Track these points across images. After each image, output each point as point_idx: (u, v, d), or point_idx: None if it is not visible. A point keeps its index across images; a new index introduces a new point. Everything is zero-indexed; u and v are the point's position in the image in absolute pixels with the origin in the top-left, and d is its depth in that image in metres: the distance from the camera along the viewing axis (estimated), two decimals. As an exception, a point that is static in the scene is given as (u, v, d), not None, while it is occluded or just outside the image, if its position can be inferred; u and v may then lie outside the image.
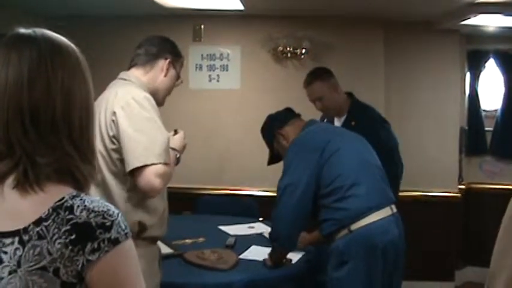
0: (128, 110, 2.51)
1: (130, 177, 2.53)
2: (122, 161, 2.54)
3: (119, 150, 2.53)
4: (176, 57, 2.89)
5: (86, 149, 1.29)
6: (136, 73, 2.80)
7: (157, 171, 2.46)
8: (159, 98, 2.83)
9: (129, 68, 2.84)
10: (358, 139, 3.40)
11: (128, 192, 2.57)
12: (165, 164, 2.50)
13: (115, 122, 2.51)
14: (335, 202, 3.08)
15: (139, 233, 2.57)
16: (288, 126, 3.42)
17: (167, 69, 2.83)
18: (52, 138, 1.23)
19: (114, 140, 2.53)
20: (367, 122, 4.02)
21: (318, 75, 4.13)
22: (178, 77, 2.92)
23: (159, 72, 2.82)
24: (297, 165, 3.17)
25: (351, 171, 3.14)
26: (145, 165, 2.44)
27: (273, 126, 3.51)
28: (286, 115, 3.55)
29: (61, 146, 1.24)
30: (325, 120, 4.31)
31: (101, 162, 2.55)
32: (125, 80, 2.76)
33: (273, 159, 3.56)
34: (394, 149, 4.13)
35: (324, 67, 4.32)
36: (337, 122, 4.20)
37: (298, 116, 3.59)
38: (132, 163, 2.46)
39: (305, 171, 3.12)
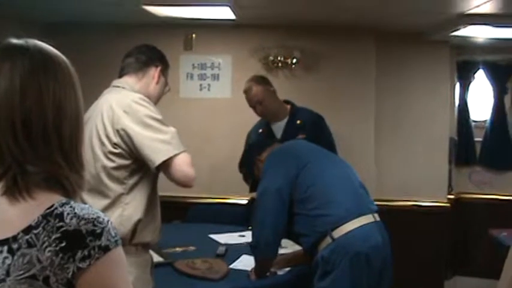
0: (131, 112, 2.57)
1: (145, 183, 2.62)
2: (124, 167, 2.59)
3: (122, 155, 2.58)
4: (164, 65, 2.95)
5: (75, 159, 1.29)
6: (129, 80, 2.83)
7: (186, 159, 2.57)
8: None
9: (120, 76, 2.87)
10: (334, 156, 3.54)
11: (126, 195, 2.60)
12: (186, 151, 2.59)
13: (121, 128, 2.56)
14: (313, 209, 3.10)
15: (132, 236, 2.60)
16: (265, 153, 3.49)
17: (158, 77, 2.89)
18: (43, 148, 1.23)
19: (117, 146, 2.57)
20: (311, 120, 4.51)
21: (257, 81, 4.48)
22: (166, 84, 2.98)
23: (151, 80, 2.87)
24: (274, 171, 3.23)
25: (329, 179, 3.20)
26: (171, 158, 2.53)
27: (252, 154, 3.65)
28: (265, 142, 3.76)
29: (51, 156, 1.24)
30: (260, 130, 4.58)
31: (100, 168, 2.59)
32: (119, 87, 2.79)
33: (254, 186, 3.59)
34: (334, 142, 4.54)
35: (262, 75, 4.74)
36: (278, 128, 4.49)
37: (276, 141, 3.78)
38: (157, 158, 2.53)
39: (281, 175, 3.17)
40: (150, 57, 2.89)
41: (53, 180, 1.24)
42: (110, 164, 2.58)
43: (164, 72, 2.94)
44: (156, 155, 2.53)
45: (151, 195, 2.69)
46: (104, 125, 2.58)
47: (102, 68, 4.41)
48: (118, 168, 2.59)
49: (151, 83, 2.87)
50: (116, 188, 2.60)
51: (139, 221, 2.60)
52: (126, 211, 2.59)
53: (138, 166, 2.61)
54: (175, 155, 2.54)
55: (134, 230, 2.59)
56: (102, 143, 2.58)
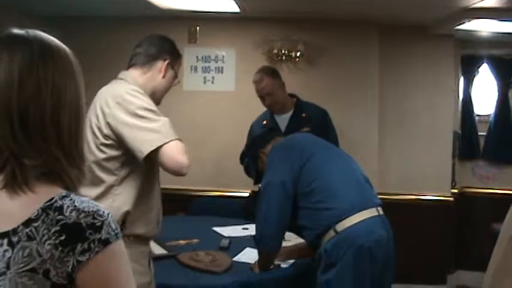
0: (123, 103, 2.55)
1: (146, 165, 2.57)
2: (115, 158, 2.58)
3: (113, 146, 2.57)
4: (175, 58, 2.89)
5: (74, 153, 1.28)
6: (134, 73, 2.80)
7: (177, 147, 2.52)
8: (156, 99, 2.84)
9: (128, 67, 2.85)
10: (338, 149, 3.56)
11: (117, 186, 2.60)
12: (179, 140, 2.55)
13: (112, 119, 2.54)
14: (317, 203, 3.08)
15: (121, 227, 2.58)
16: (270, 145, 3.49)
17: (165, 71, 2.83)
18: (40, 141, 1.22)
19: (107, 137, 2.56)
20: (316, 113, 4.60)
21: (269, 73, 4.53)
22: (176, 76, 2.92)
23: (157, 74, 2.82)
24: (278, 164, 3.21)
25: (333, 172, 3.19)
26: (161, 146, 2.48)
27: (256, 146, 3.65)
28: (269, 135, 3.74)
29: (49, 150, 1.23)
30: (264, 122, 4.64)
31: (92, 159, 2.58)
32: (121, 79, 2.77)
33: (258, 179, 3.59)
34: (337, 137, 4.64)
35: (272, 67, 4.79)
36: (283, 120, 4.57)
37: (280, 134, 3.82)
38: (145, 149, 2.49)
39: (285, 168, 3.15)
40: (159, 51, 2.83)
41: (52, 174, 1.23)
42: (102, 156, 2.58)
43: (173, 65, 2.88)
44: (144, 145, 2.49)
45: (145, 187, 2.66)
46: (97, 116, 2.58)
47: (105, 61, 4.42)
48: (109, 159, 2.58)
49: (157, 77, 2.82)
50: (107, 179, 2.59)
51: (127, 212, 2.59)
52: (115, 202, 2.58)
53: (129, 157, 2.58)
54: (165, 144, 2.49)
55: (123, 222, 2.58)
56: (94, 135, 2.59)
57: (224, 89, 5.59)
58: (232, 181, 5.41)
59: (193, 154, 5.56)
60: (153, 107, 2.61)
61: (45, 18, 4.96)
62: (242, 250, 3.57)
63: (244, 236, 3.93)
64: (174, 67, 2.89)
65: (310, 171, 3.15)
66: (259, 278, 3.16)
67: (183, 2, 4.70)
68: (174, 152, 2.50)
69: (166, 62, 2.83)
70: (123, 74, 2.81)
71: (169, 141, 2.50)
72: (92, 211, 1.20)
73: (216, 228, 4.14)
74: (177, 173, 2.55)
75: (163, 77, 2.84)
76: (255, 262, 3.24)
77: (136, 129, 2.51)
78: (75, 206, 1.19)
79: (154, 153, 2.49)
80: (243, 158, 4.62)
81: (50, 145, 1.23)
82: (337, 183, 3.14)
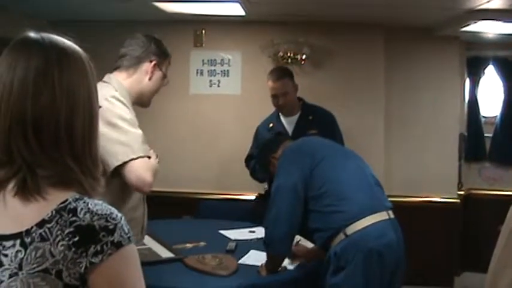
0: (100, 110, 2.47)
1: (114, 178, 2.50)
2: None
3: None
4: (162, 58, 2.83)
5: (88, 162, 1.28)
6: (118, 76, 2.75)
7: (143, 165, 2.47)
8: (144, 101, 2.81)
9: (113, 70, 2.79)
10: (349, 151, 3.54)
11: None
12: (147, 157, 2.50)
13: None
14: (328, 206, 3.08)
15: None
16: (280, 149, 3.50)
17: (152, 72, 2.78)
18: (53, 151, 1.22)
19: None
20: (323, 116, 4.65)
21: (287, 73, 4.60)
22: (164, 76, 2.86)
23: (144, 76, 2.77)
24: (289, 167, 3.21)
25: (344, 175, 3.18)
26: (127, 162, 2.45)
27: (267, 152, 3.65)
28: (278, 139, 3.77)
29: (62, 159, 1.23)
30: (271, 125, 4.67)
31: None
32: (106, 82, 2.71)
33: (271, 184, 3.60)
34: (343, 140, 4.65)
35: (288, 68, 4.83)
36: (290, 122, 4.61)
37: (288, 138, 3.87)
38: (111, 162, 2.45)
39: (296, 171, 3.14)
40: (145, 52, 2.78)
41: (65, 183, 1.23)
42: None
43: (161, 65, 2.82)
44: (111, 158, 2.44)
45: (113, 200, 2.50)
46: None
47: (111, 65, 4.41)
48: None
49: (143, 80, 2.77)
50: None
51: None
52: None
53: None
54: (132, 160, 2.46)
55: None
56: None
57: (230, 92, 5.60)
58: (238, 184, 5.41)
59: (199, 157, 5.63)
60: (129, 115, 2.55)
61: (51, 22, 4.98)
62: (247, 253, 3.56)
63: (251, 239, 3.94)
64: (162, 68, 2.83)
65: (320, 174, 3.15)
66: (266, 281, 3.16)
67: (189, 5, 4.72)
68: (139, 169, 2.46)
69: (153, 63, 2.78)
70: (108, 77, 2.75)
71: (136, 158, 2.46)
72: (106, 214, 1.20)
73: (223, 231, 4.14)
74: (139, 189, 2.54)
75: (150, 79, 2.78)
76: (262, 265, 3.24)
77: (106, 140, 2.42)
78: (88, 208, 1.19)
79: (121, 167, 2.46)
80: (248, 161, 4.63)
81: (63, 153, 1.23)
82: (348, 186, 3.13)
